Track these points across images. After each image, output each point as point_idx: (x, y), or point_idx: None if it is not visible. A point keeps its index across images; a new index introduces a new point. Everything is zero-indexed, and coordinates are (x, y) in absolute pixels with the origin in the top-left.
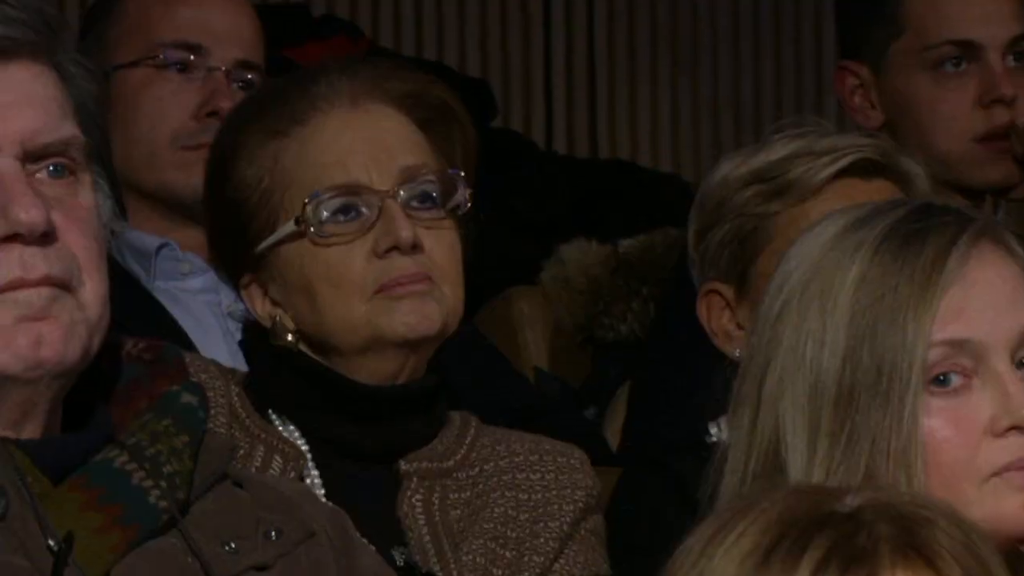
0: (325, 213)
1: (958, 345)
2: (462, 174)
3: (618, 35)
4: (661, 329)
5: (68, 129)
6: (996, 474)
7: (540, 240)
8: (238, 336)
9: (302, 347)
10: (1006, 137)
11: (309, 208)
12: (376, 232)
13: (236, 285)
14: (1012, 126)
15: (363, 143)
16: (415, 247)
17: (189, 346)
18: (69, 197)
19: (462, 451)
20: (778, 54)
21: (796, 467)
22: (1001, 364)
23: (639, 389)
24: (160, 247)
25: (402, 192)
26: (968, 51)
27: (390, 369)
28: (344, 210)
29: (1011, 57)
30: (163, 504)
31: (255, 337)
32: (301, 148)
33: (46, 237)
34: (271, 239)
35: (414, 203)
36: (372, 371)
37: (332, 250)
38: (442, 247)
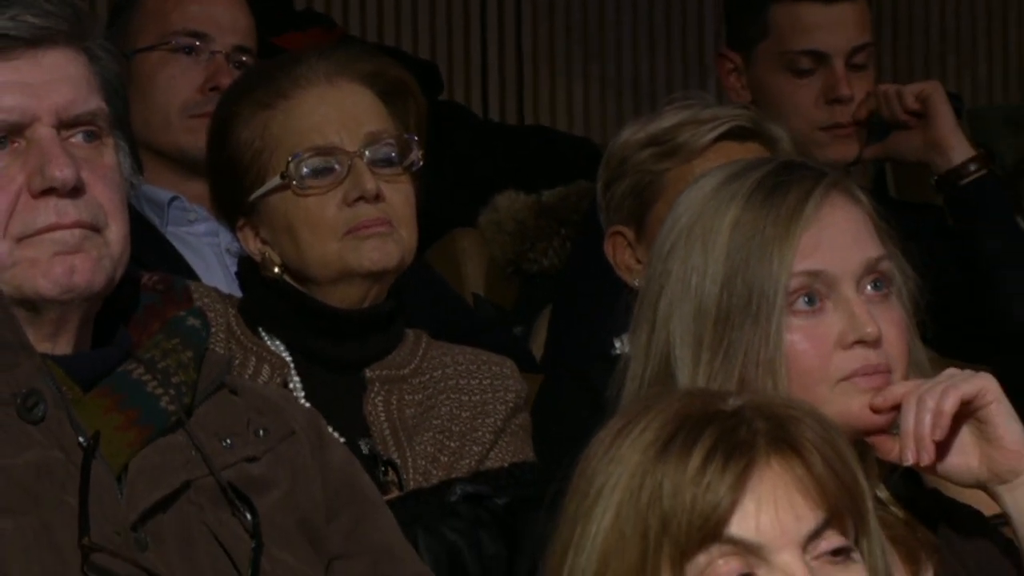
0: (305, 169)
1: (814, 275)
2: (416, 138)
3: (540, 25)
4: (576, 263)
5: (95, 102)
6: (845, 379)
7: (478, 191)
8: (234, 269)
9: (286, 278)
10: (845, 127)
11: (292, 165)
12: (346, 185)
13: (232, 228)
14: (852, 120)
15: (336, 113)
16: (378, 197)
17: (194, 278)
18: (96, 157)
19: (415, 361)
20: (669, 42)
21: (683, 375)
22: (849, 290)
23: (558, 311)
24: (171, 199)
25: (367, 153)
26: (817, 59)
27: (357, 295)
28: (321, 167)
29: (850, 64)
30: (172, 408)
31: (248, 270)
32: (285, 117)
33: (76, 190)
34: (261, 190)
35: (377, 162)
36: (342, 297)
37: (310, 200)
38: (399, 197)
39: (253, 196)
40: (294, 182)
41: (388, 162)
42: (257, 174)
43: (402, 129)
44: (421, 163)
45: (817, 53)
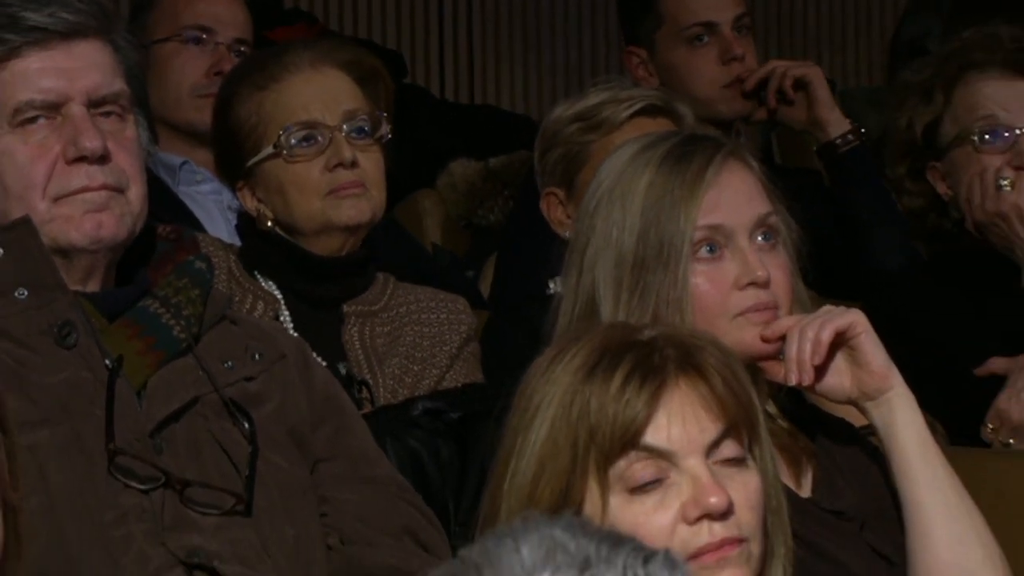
0: (293, 140)
1: (714, 228)
2: (385, 115)
3: (488, 20)
4: (517, 218)
5: (119, 85)
6: (740, 314)
7: (436, 159)
8: (234, 222)
9: (277, 230)
10: (742, 82)
11: (282, 137)
12: (327, 153)
13: (233, 188)
14: (744, 75)
15: (318, 94)
16: (354, 164)
17: (201, 229)
18: (119, 131)
19: (384, 299)
20: (594, 32)
21: (606, 312)
22: (743, 241)
23: (502, 258)
24: (182, 164)
25: (345, 126)
26: (708, 28)
27: (336, 245)
28: (306, 139)
29: (737, 28)
30: (182, 336)
31: (245, 223)
32: (277, 97)
33: (103, 158)
34: (256, 158)
35: (353, 134)
36: (324, 246)
37: (298, 166)
38: (372, 163)
39: (250, 162)
40: (284, 151)
41: (362, 134)
42: (253, 144)
43: (374, 107)
44: (389, 135)
45: (708, 23)
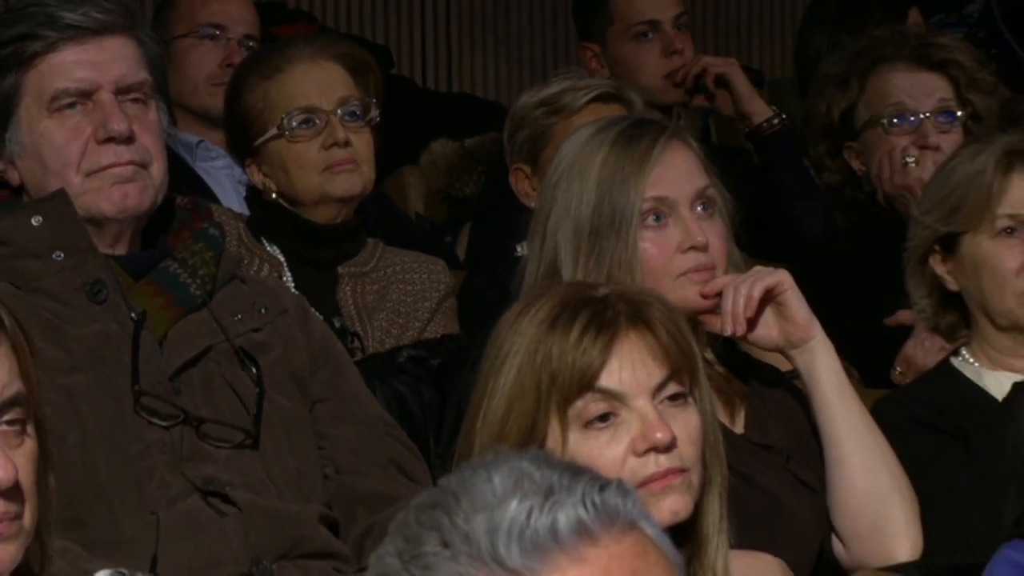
0: (294, 123)
1: (659, 199)
2: (374, 101)
3: (464, 17)
4: (489, 191)
5: (143, 75)
6: (682, 274)
7: (419, 140)
8: (243, 194)
9: (281, 201)
10: (685, 78)
11: (285, 120)
12: (324, 134)
13: (243, 164)
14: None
15: (316, 83)
16: (347, 143)
17: (215, 200)
18: (143, 115)
19: (373, 261)
20: (556, 28)
21: (566, 273)
22: (684, 211)
23: (476, 226)
24: (198, 143)
25: (339, 111)
26: (652, 26)
27: (332, 214)
28: (305, 122)
29: (677, 26)
30: (198, 293)
31: (253, 195)
32: (280, 86)
33: (129, 139)
34: (262, 138)
35: (346, 118)
36: (321, 215)
37: (298, 145)
38: (363, 143)
39: (257, 142)
40: (286, 132)
41: (354, 117)
42: (260, 127)
43: (364, 94)
44: (378, 119)
45: (652, 21)
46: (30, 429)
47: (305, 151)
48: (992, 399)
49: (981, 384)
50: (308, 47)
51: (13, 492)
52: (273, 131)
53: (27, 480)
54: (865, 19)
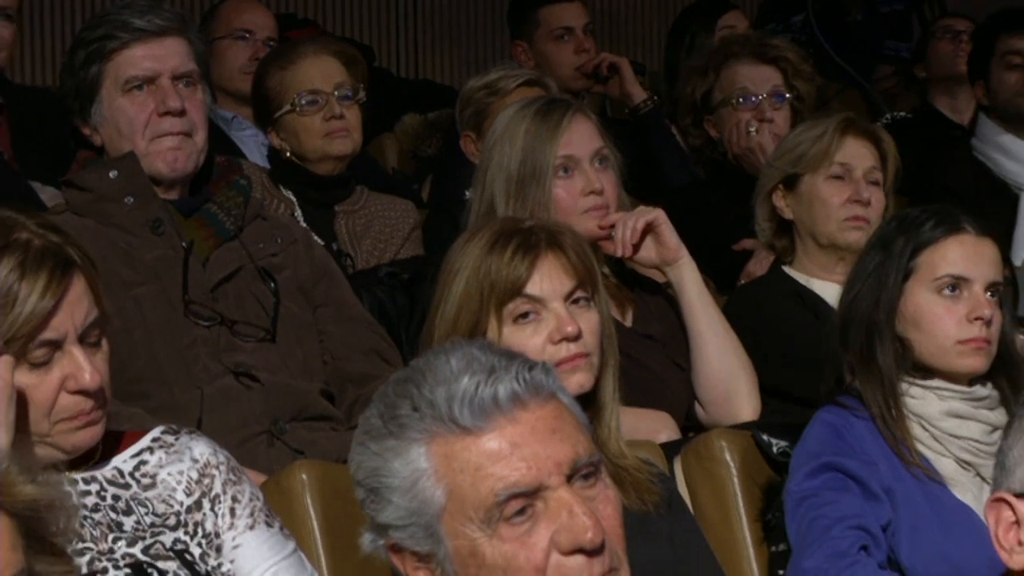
0: (303, 102)
1: (568, 157)
2: (362, 86)
3: (427, 24)
4: (445, 152)
5: (192, 65)
6: (585, 212)
7: (394, 114)
8: (265, 153)
9: (293, 159)
10: (589, 68)
11: (296, 100)
12: (324, 110)
13: (265, 132)
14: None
15: (319, 72)
16: (342, 117)
17: (244, 158)
18: (192, 95)
19: (361, 202)
20: (495, 30)
21: (500, 211)
22: (586, 165)
23: (435, 177)
24: (232, 117)
25: (336, 93)
26: (568, 30)
27: (330, 168)
28: (311, 101)
29: (585, 32)
30: (232, 228)
31: (273, 154)
32: (293, 74)
33: (182, 112)
34: (280, 112)
35: (342, 98)
36: (323, 169)
37: (306, 118)
38: (353, 116)
39: (276, 115)
40: (297, 108)
41: (347, 98)
42: (278, 104)
43: (355, 80)
44: (365, 99)
45: (568, 27)
46: (104, 339)
47: (311, 122)
48: (814, 294)
49: (801, 281)
50: (313, 46)
51: (100, 391)
52: (288, 107)
53: (105, 378)
54: (712, 27)
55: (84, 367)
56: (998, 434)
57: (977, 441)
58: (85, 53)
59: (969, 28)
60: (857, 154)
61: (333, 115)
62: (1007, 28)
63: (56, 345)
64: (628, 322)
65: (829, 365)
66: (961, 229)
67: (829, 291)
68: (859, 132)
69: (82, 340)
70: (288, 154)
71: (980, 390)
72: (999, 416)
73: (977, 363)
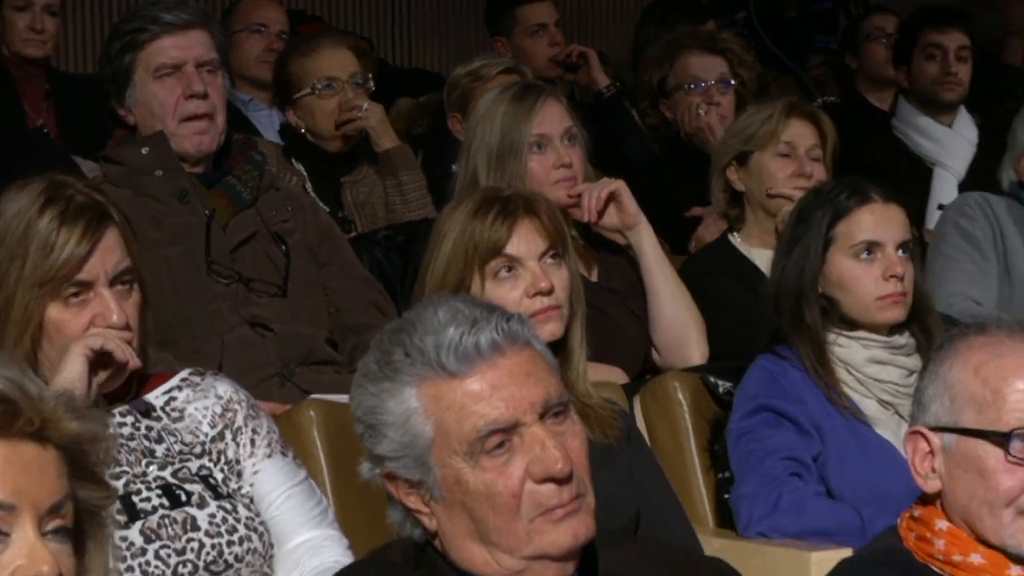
0: (320, 86)
1: (541, 135)
2: (370, 75)
3: (418, 19)
4: (435, 131)
5: (213, 54)
6: (555, 182)
7: (391, 98)
8: (278, 131)
9: (308, 136)
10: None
11: (317, 84)
12: (340, 95)
13: (283, 111)
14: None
15: (337, 61)
16: (356, 107)
17: (259, 135)
18: (214, 80)
19: (362, 173)
20: (478, 26)
21: (481, 182)
22: (557, 142)
23: (426, 154)
24: (249, 100)
25: (350, 80)
26: (541, 27)
27: (340, 146)
28: (327, 86)
29: (557, 26)
30: (248, 197)
31: (288, 131)
32: (313, 61)
33: (205, 95)
34: (299, 94)
35: (354, 84)
36: (333, 147)
37: (323, 100)
38: (363, 100)
39: (295, 96)
40: (316, 91)
41: (359, 86)
42: (298, 86)
43: (365, 70)
44: (373, 87)
45: (541, 24)
46: (136, 288)
47: (327, 105)
48: (752, 265)
49: (746, 255)
50: (331, 39)
51: (126, 328)
52: (307, 90)
53: (134, 321)
54: (674, 23)
55: (112, 307)
56: (914, 377)
57: (896, 384)
58: (120, 44)
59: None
60: (800, 133)
61: (348, 100)
62: (930, 23)
63: (88, 286)
64: (594, 277)
65: (767, 323)
66: (870, 199)
67: (768, 258)
68: (802, 114)
69: (112, 285)
70: (303, 131)
71: (898, 339)
72: (915, 361)
73: (896, 314)
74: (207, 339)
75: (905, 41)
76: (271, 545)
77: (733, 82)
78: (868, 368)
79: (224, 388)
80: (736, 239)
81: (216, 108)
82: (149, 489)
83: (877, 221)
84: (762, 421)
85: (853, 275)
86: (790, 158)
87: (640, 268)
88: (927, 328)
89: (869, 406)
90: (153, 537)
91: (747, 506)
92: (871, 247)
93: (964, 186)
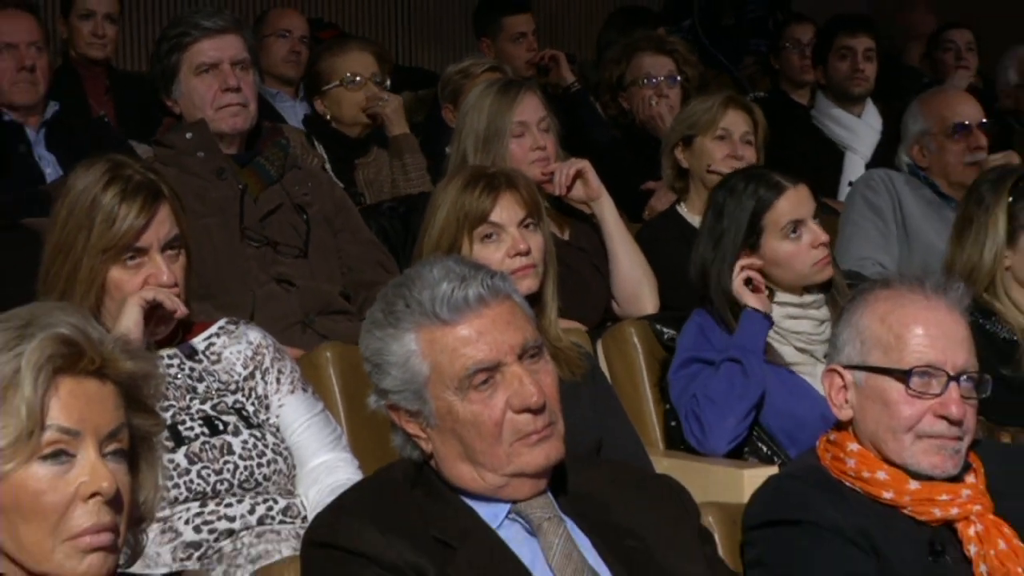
0: (347, 81)
1: (520, 123)
2: (387, 75)
3: (417, 25)
4: (431, 120)
5: (246, 55)
6: (532, 163)
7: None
8: (301, 119)
9: (332, 123)
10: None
11: (345, 78)
12: (365, 89)
13: (311, 100)
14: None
15: (362, 62)
16: (380, 97)
17: (285, 123)
18: (246, 76)
19: (373, 157)
20: (467, 31)
21: (470, 162)
22: (534, 128)
23: (424, 138)
24: (276, 93)
25: (372, 78)
26: (522, 34)
27: (359, 132)
28: (353, 80)
29: (534, 34)
30: (275, 175)
31: (312, 118)
32: (342, 59)
33: (239, 89)
34: (328, 86)
35: (376, 82)
36: (354, 132)
37: (349, 92)
38: (386, 93)
39: (324, 88)
40: (344, 84)
41: (378, 83)
42: (327, 79)
43: (383, 71)
44: (389, 84)
45: (521, 32)
46: (183, 252)
47: (353, 97)
48: (695, 229)
49: (691, 222)
50: (358, 43)
51: (174, 286)
52: (336, 83)
53: (181, 280)
54: (631, 29)
55: (163, 269)
56: (825, 326)
57: (809, 333)
58: (167, 46)
59: (812, 37)
60: (735, 121)
61: (371, 95)
62: (842, 28)
63: (144, 252)
64: (566, 237)
65: (696, 281)
66: (784, 187)
67: None
68: (737, 105)
69: (163, 250)
70: (328, 118)
71: (807, 297)
72: (824, 313)
73: (828, 273)
74: (241, 293)
75: (821, 44)
76: (294, 466)
77: (679, 78)
78: (785, 323)
79: (255, 335)
80: (683, 208)
81: (248, 99)
82: (192, 420)
83: (794, 203)
84: (692, 371)
85: (788, 252)
86: (726, 141)
87: (602, 233)
88: (837, 284)
89: (788, 353)
90: (195, 460)
91: (695, 434)
92: (796, 225)
93: (870, 166)
